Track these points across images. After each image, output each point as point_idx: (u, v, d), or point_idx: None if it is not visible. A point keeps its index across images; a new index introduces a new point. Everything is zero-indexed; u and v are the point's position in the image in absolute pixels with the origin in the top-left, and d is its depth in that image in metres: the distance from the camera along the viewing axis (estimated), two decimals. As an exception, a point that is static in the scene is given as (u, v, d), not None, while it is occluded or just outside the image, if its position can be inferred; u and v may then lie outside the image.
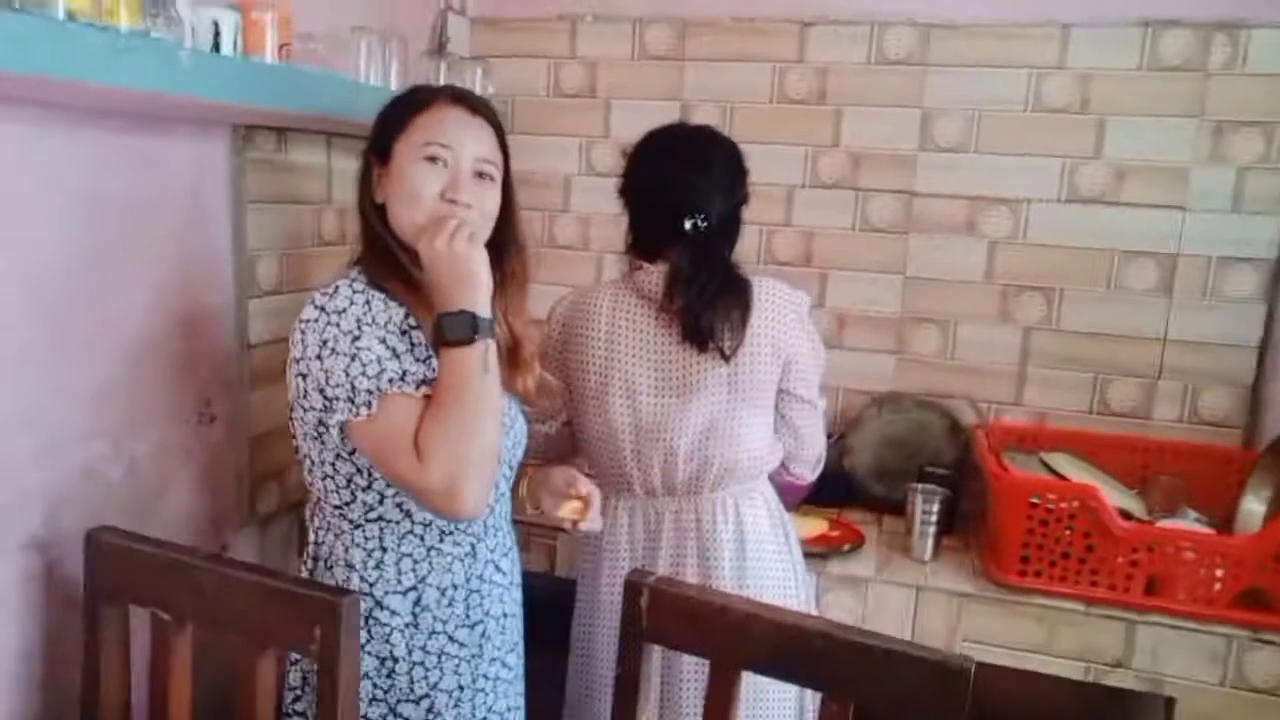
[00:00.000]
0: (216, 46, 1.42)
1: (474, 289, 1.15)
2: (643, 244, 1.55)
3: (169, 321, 1.59)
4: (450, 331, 1.14)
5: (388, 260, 1.24)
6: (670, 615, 1.20)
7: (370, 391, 1.13)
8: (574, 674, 1.61)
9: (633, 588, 1.22)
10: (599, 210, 2.30)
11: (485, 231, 1.24)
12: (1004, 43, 2.05)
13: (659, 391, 1.50)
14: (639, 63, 2.30)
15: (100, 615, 1.24)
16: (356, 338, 1.14)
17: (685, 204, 1.48)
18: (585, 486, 1.38)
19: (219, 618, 1.18)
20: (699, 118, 2.20)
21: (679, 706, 1.48)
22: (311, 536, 1.30)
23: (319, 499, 1.26)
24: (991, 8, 2.05)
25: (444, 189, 1.20)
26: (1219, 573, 1.64)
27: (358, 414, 1.13)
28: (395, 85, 1.79)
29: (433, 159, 1.20)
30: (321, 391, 1.15)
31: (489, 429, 1.15)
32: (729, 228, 1.54)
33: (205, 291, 1.68)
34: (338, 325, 1.15)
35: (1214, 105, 1.96)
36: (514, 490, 1.40)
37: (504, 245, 1.29)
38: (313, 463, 1.23)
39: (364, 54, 1.79)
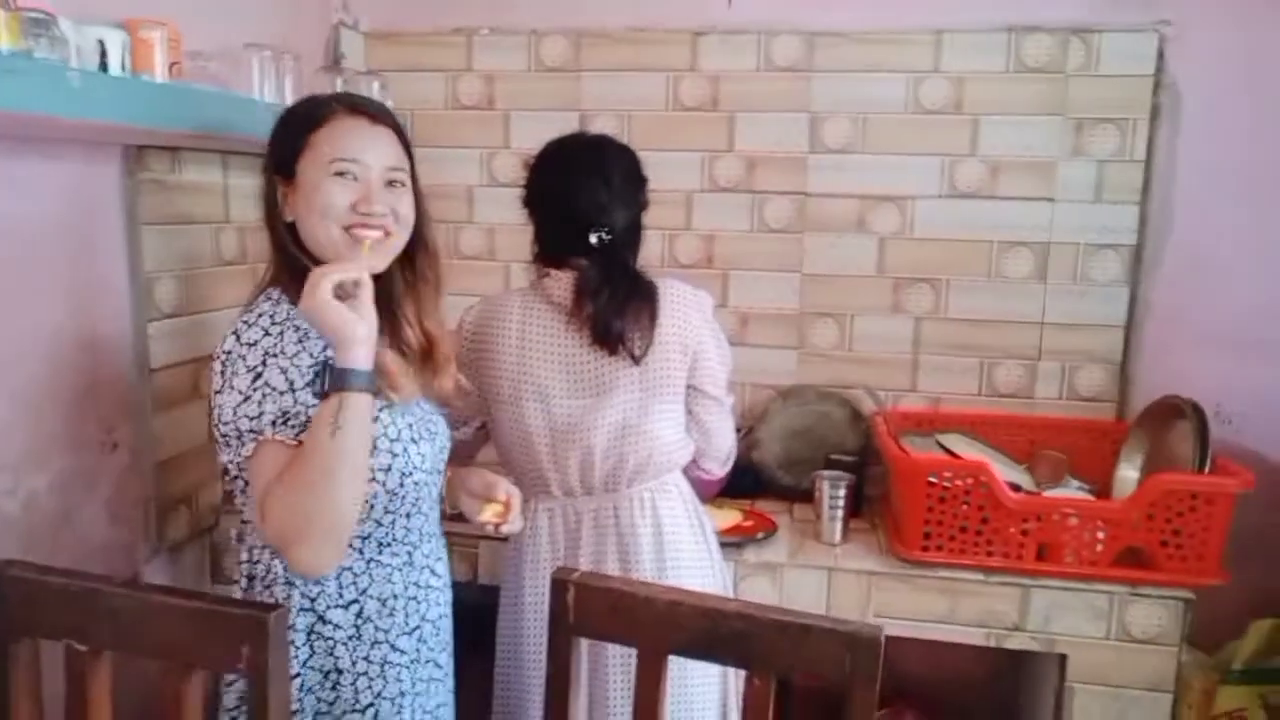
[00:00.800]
0: (104, 66, 1.40)
1: (342, 342, 1.12)
2: (548, 252, 1.58)
3: (65, 349, 1.55)
4: (339, 383, 1.12)
5: (304, 281, 1.22)
6: (597, 608, 1.23)
7: (251, 432, 1.14)
8: (501, 676, 1.63)
9: (559, 585, 1.25)
10: (503, 220, 2.33)
11: (404, 237, 1.26)
12: (883, 48, 2.17)
13: (572, 394, 1.53)
14: (536, 74, 2.34)
15: (8, 653, 1.20)
16: (258, 375, 1.15)
17: (589, 217, 1.52)
18: (504, 490, 1.40)
19: (139, 644, 1.15)
20: (597, 127, 2.26)
21: (606, 697, 1.51)
22: (244, 555, 1.29)
23: (252, 520, 1.25)
24: (871, 16, 2.17)
25: (355, 201, 1.21)
26: (1100, 535, 1.77)
27: (238, 454, 1.16)
28: (291, 101, 1.78)
29: (342, 173, 1.21)
30: (216, 426, 1.17)
31: (332, 492, 1.10)
32: (632, 235, 1.59)
33: (102, 316, 1.64)
34: (244, 359, 1.16)
35: (1074, 104, 2.11)
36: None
37: (414, 248, 1.30)
38: (245, 484, 1.22)
39: (257, 71, 1.78)
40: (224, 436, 1.17)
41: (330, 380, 1.13)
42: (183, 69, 1.57)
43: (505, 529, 1.39)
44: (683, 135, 2.28)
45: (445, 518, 1.44)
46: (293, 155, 1.23)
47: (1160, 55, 2.06)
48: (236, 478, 1.22)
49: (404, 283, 1.31)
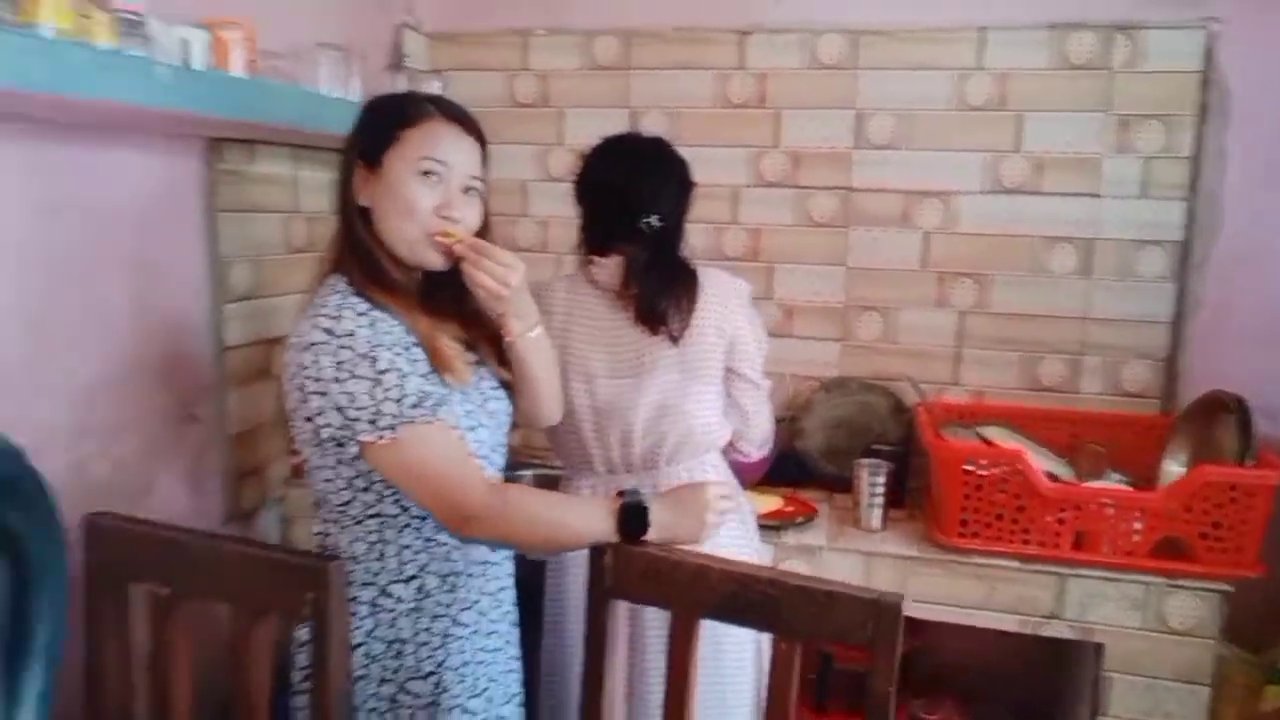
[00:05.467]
0: (187, 63, 1.52)
1: (692, 539, 1.34)
2: (597, 239, 1.66)
3: (150, 326, 1.68)
4: (631, 528, 1.29)
5: (372, 267, 1.28)
6: (632, 571, 1.30)
7: (394, 416, 1.19)
8: (547, 646, 1.70)
9: (597, 549, 1.32)
10: (556, 214, 2.42)
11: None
12: (928, 46, 2.21)
13: (614, 374, 1.61)
14: (589, 73, 2.42)
15: (99, 595, 1.31)
16: (374, 360, 1.20)
17: (645, 204, 1.61)
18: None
19: (216, 590, 1.26)
20: (646, 124, 2.34)
21: (645, 660, 1.58)
22: (318, 528, 1.36)
23: (321, 496, 1.32)
24: (915, 14, 2.21)
25: (439, 205, 1.27)
26: (1137, 526, 1.78)
27: (381, 437, 1.20)
28: (356, 99, 1.88)
29: (428, 173, 1.27)
30: (341, 411, 1.20)
31: (539, 543, 1.37)
32: (678, 229, 1.67)
33: (183, 297, 1.76)
34: (351, 349, 1.19)
35: (1120, 100, 2.12)
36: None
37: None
38: (314, 466, 1.29)
39: (326, 69, 1.89)
40: (351, 421, 1.20)
41: (633, 521, 1.29)
42: (258, 66, 1.69)
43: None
44: (730, 132, 2.35)
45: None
46: (382, 145, 1.27)
47: (1208, 52, 2.06)
48: (307, 459, 1.29)
49: (454, 272, 1.35)
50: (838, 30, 2.25)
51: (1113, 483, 1.95)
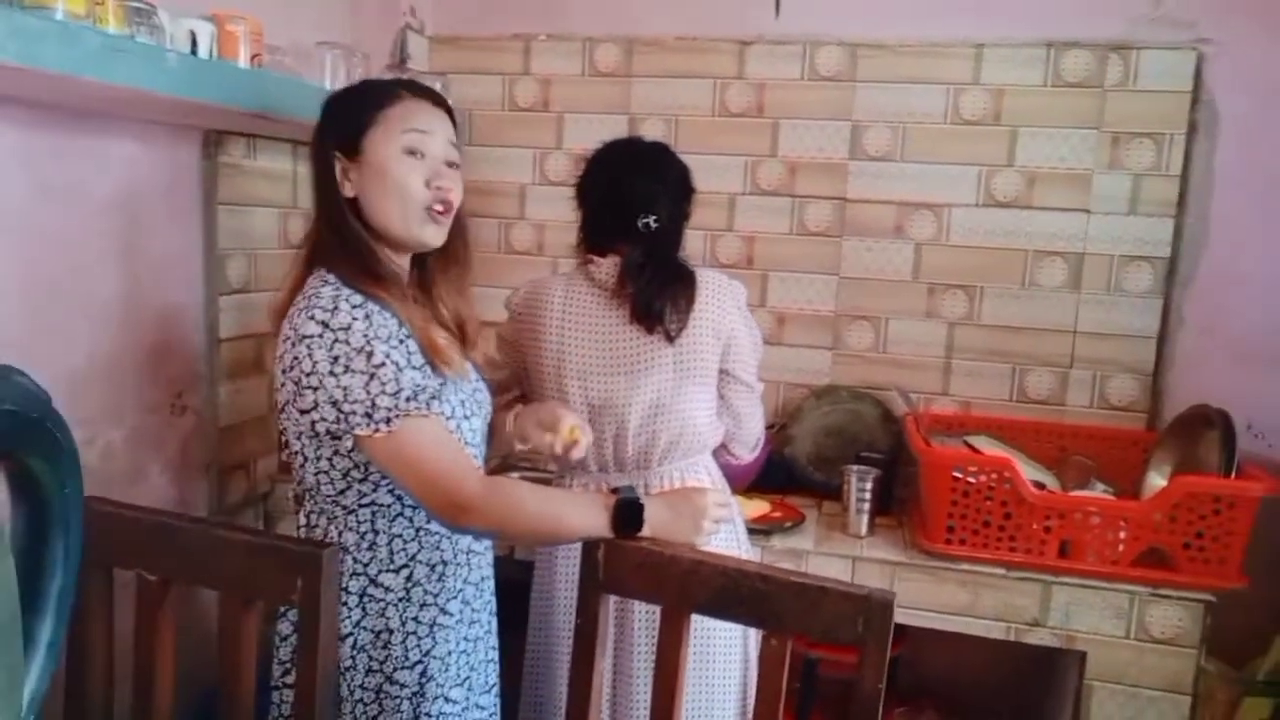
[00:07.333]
0: (194, 53, 1.53)
1: (681, 537, 1.35)
2: (595, 239, 1.67)
3: (143, 315, 1.68)
4: (626, 524, 1.30)
5: (366, 258, 1.28)
6: (625, 566, 1.31)
7: (390, 409, 1.19)
8: (532, 642, 1.70)
9: (590, 543, 1.33)
10: (553, 217, 2.44)
11: (452, 217, 1.33)
12: (924, 61, 2.24)
13: (609, 372, 1.62)
14: (589, 79, 2.45)
15: (86, 580, 1.30)
16: (370, 354, 1.20)
17: (641, 204, 1.62)
18: (573, 419, 1.46)
19: (204, 576, 1.26)
20: (646, 130, 2.37)
21: (630, 653, 1.58)
22: (302, 520, 1.35)
23: (311, 488, 1.32)
24: (912, 29, 2.24)
25: (428, 178, 1.29)
26: (1122, 535, 1.80)
27: (376, 429, 1.20)
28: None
29: (412, 151, 1.28)
30: (336, 405, 1.20)
31: (540, 536, 1.46)
32: (676, 231, 1.69)
33: (177, 288, 1.77)
34: (347, 343, 1.19)
35: (1111, 118, 2.16)
36: (491, 438, 1.47)
37: (450, 232, 1.36)
38: (306, 459, 1.28)
39: (329, 67, 1.91)
40: (346, 415, 1.20)
41: (627, 517, 1.30)
42: (262, 60, 1.70)
43: (575, 454, 1.44)
44: (727, 140, 2.37)
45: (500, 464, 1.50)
46: (358, 132, 1.28)
47: (1198, 73, 2.10)
48: (299, 452, 1.29)
49: (439, 264, 1.39)
50: (836, 43, 2.28)
51: (1098, 493, 1.98)
